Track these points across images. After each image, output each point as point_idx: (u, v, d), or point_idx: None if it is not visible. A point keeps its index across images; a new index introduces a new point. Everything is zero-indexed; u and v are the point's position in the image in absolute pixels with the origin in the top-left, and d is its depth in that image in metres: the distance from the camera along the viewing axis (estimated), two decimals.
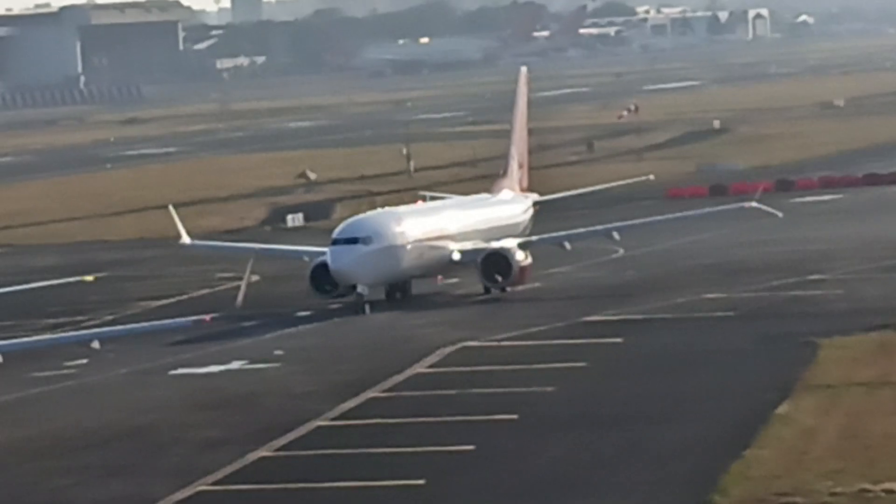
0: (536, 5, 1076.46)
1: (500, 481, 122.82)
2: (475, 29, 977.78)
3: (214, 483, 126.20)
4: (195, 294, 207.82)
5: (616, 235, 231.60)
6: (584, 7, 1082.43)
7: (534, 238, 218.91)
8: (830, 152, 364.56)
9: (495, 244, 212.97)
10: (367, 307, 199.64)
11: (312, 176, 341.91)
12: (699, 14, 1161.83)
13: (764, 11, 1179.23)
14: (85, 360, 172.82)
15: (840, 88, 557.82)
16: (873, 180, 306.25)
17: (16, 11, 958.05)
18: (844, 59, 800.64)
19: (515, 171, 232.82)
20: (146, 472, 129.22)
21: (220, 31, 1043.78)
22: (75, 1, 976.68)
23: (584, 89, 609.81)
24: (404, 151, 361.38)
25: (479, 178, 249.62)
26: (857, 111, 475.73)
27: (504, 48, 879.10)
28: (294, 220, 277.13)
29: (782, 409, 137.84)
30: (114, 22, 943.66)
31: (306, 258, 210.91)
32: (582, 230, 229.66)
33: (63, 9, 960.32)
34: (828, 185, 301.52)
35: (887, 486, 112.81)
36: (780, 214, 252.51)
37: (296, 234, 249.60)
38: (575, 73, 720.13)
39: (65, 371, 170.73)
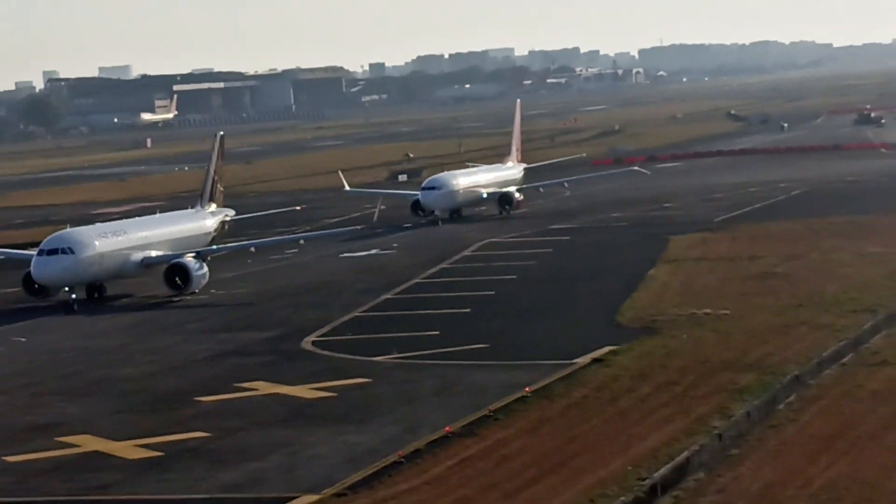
0: (524, 68, 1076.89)
1: (508, 309, 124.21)
2: (494, 80, 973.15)
3: (363, 311, 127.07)
4: (352, 216, 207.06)
5: (566, 185, 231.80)
6: (548, 69, 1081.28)
7: (524, 186, 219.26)
8: (675, 141, 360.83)
9: (504, 189, 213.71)
10: (440, 222, 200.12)
11: (411, 155, 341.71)
12: (608, 71, 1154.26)
13: (641, 69, 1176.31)
14: (296, 250, 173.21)
15: (680, 109, 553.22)
16: (698, 155, 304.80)
17: (260, 72, 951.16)
18: (682, 95, 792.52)
19: (514, 152, 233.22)
20: (328, 307, 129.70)
21: (363, 81, 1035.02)
22: (289, 66, 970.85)
23: (547, 111, 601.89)
24: (459, 143, 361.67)
25: (498, 155, 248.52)
26: (688, 120, 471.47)
27: (508, 90, 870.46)
28: (402, 177, 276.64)
29: (651, 272, 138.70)
30: (309, 77, 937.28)
31: (409, 197, 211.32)
32: (548, 182, 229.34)
33: (284, 70, 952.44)
34: (674, 158, 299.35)
35: (705, 311, 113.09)
36: (648, 173, 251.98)
37: (403, 185, 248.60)
38: (543, 104, 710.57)
39: (285, 256, 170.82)
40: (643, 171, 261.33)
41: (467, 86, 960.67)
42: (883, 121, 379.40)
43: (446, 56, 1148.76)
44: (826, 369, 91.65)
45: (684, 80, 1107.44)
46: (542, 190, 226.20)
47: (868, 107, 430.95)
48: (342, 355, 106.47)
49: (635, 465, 71.37)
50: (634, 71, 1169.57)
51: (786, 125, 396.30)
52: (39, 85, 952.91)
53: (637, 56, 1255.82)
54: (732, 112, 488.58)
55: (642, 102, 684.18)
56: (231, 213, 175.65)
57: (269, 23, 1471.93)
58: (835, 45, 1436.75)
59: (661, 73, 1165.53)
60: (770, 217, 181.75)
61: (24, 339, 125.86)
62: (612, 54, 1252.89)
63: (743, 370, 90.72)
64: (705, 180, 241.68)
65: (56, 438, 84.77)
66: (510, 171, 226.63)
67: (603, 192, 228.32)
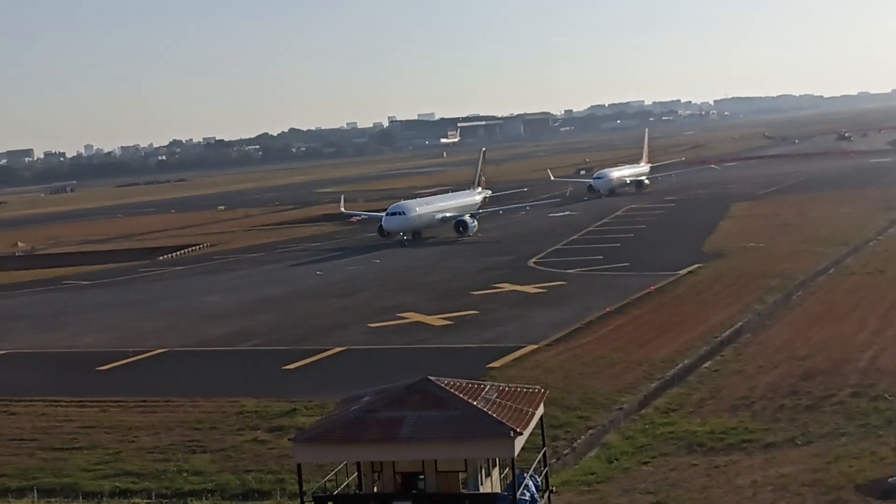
0: (650, 111, 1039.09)
1: (640, 243, 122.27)
2: (633, 118, 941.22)
3: (561, 245, 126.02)
4: (556, 193, 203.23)
5: (673, 175, 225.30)
6: (663, 112, 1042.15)
7: (650, 176, 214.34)
8: (734, 150, 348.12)
9: (639, 178, 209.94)
10: (602, 197, 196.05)
11: (588, 159, 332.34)
12: (696, 112, 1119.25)
13: (715, 111, 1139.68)
14: (523, 213, 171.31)
15: (737, 133, 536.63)
16: (747, 158, 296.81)
17: (504, 115, 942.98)
18: (737, 126, 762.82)
19: (645, 157, 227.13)
20: (542, 243, 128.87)
21: (560, 119, 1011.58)
22: (521, 111, 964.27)
23: (662, 135, 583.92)
24: (587, 159, 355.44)
25: (635, 159, 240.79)
26: (741, 139, 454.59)
27: (640, 124, 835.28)
28: (582, 172, 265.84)
29: (720, 223, 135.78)
30: (531, 118, 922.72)
31: (585, 183, 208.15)
32: (663, 174, 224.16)
33: (517, 114, 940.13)
34: (733, 160, 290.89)
35: (751, 244, 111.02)
36: (719, 168, 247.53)
37: (583, 177, 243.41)
38: (660, 131, 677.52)
39: (518, 216, 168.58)
40: (716, 167, 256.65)
41: (618, 122, 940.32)
42: (852, 138, 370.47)
43: (607, 105, 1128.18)
44: (819, 276, 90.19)
45: (739, 117, 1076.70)
46: (659, 178, 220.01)
47: (843, 130, 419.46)
48: (550, 269, 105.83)
49: (712, 329, 70.99)
50: (711, 112, 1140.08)
51: (797, 141, 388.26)
52: (385, 123, 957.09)
53: (713, 103, 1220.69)
54: (766, 134, 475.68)
55: (715, 130, 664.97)
56: (489, 192, 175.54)
57: (512, 86, 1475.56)
58: (825, 96, 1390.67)
59: (726, 113, 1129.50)
60: (788, 192, 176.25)
61: (378, 261, 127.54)
62: (698, 102, 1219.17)
63: (772, 277, 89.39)
64: (751, 172, 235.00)
65: (396, 314, 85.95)
66: (642, 168, 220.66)
67: (693, 179, 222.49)
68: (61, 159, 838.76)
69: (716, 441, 48.22)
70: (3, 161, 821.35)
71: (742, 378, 58.76)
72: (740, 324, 71.85)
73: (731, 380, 58.76)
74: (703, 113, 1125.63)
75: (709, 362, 63.50)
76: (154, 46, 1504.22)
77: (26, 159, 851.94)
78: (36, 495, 47.37)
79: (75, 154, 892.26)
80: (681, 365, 61.68)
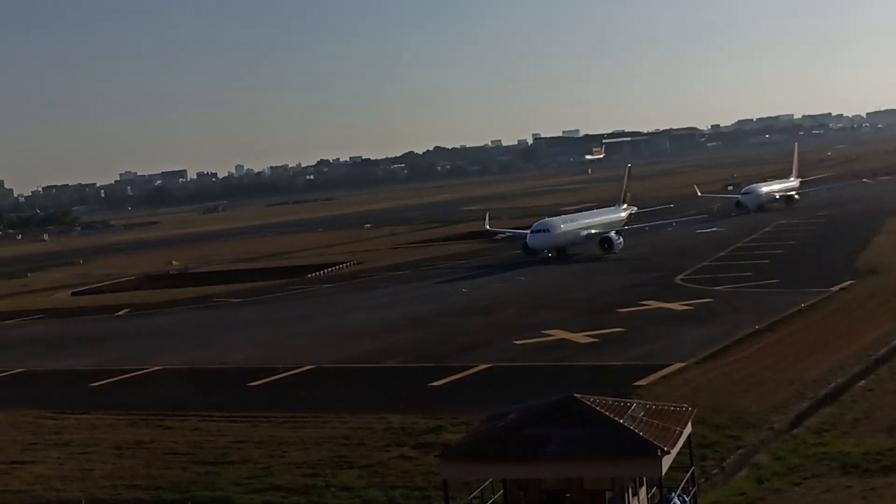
0: (799, 125, 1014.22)
1: (790, 260, 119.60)
2: (781, 133, 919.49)
3: (708, 262, 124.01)
4: (703, 209, 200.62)
5: (824, 190, 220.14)
6: (812, 126, 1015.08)
7: (800, 191, 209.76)
8: (888, 164, 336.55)
9: (788, 193, 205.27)
10: (751, 213, 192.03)
11: (735, 175, 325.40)
12: (849, 126, 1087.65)
13: (868, 124, 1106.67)
14: (670, 229, 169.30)
15: (892, 147, 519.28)
16: (889, 172, 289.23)
17: (649, 130, 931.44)
18: (893, 138, 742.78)
19: (794, 171, 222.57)
20: (689, 259, 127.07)
21: (706, 135, 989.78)
22: (666, 127, 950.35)
23: (812, 149, 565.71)
24: (734, 175, 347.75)
25: (784, 174, 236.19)
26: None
27: (789, 138, 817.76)
28: (730, 188, 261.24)
29: (874, 238, 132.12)
30: (676, 133, 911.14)
31: (733, 199, 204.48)
32: (813, 189, 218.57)
33: (663, 130, 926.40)
34: (887, 174, 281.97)
35: None
36: (872, 182, 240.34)
37: (731, 193, 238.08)
38: (810, 145, 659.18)
39: (665, 232, 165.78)
40: (869, 181, 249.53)
41: (766, 136, 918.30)
42: None
43: (755, 119, 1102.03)
44: None
45: (894, 129, 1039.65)
46: (810, 193, 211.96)
47: None
48: (697, 286, 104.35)
49: (866, 347, 69.08)
50: (864, 125, 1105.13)
51: None
52: (530, 140, 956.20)
53: (865, 116, 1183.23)
54: None
55: (868, 143, 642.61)
56: (634, 208, 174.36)
57: (657, 101, 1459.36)
58: None
59: (880, 125, 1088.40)
60: None
61: (523, 278, 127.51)
62: (850, 115, 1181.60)
63: None
64: None
65: (541, 331, 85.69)
66: (791, 184, 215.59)
67: (845, 194, 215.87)
68: (213, 180, 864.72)
69: (871, 462, 46.76)
70: (159, 182, 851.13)
71: None
72: None
73: (887, 399, 57.04)
74: (856, 126, 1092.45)
75: (863, 381, 61.74)
76: (302, 67, 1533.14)
77: (180, 180, 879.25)
78: None
79: (227, 174, 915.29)
80: (834, 384, 60.14)
